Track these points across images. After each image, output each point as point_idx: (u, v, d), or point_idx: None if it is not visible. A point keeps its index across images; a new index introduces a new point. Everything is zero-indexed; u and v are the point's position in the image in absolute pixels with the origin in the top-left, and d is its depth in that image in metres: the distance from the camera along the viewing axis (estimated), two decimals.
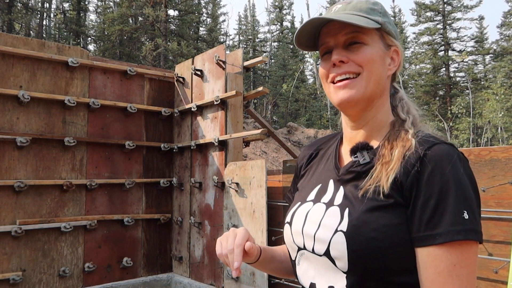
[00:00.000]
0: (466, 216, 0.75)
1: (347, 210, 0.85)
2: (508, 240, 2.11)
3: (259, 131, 3.72)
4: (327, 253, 0.85)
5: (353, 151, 0.93)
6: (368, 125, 0.94)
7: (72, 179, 3.92)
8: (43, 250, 3.74)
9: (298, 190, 1.07)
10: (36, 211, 3.72)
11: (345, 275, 0.82)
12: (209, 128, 4.19)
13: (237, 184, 3.70)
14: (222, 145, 4.00)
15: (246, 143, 4.34)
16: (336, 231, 0.83)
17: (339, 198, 0.90)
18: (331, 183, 0.95)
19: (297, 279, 0.97)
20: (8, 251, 3.56)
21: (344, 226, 0.83)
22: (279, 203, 3.50)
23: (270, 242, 3.42)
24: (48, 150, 3.84)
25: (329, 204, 0.90)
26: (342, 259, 0.81)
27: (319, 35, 0.95)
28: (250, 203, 3.56)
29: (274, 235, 3.45)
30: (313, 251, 0.89)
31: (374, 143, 0.93)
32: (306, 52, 34.12)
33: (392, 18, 1.00)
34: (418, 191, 0.79)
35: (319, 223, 0.88)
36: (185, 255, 4.37)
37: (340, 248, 0.81)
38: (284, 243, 1.02)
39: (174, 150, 4.59)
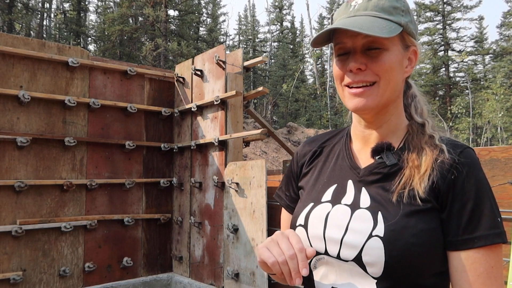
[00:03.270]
0: (499, 219, 0.79)
1: (380, 214, 0.82)
2: (508, 240, 2.11)
3: (259, 131, 3.72)
4: (357, 259, 0.81)
5: (377, 151, 0.89)
6: (383, 127, 0.92)
7: (72, 179, 3.92)
8: (43, 250, 3.75)
9: (302, 189, 1.02)
10: (36, 211, 3.72)
11: (376, 280, 0.80)
12: (209, 128, 4.20)
13: (237, 184, 3.70)
14: (222, 145, 4.00)
15: (246, 143, 4.35)
16: (371, 236, 0.80)
17: (365, 201, 0.86)
18: (350, 184, 0.91)
19: (310, 283, 0.92)
20: (8, 251, 3.56)
21: (380, 231, 0.80)
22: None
23: None
24: (48, 150, 3.84)
25: (354, 206, 0.86)
26: (377, 265, 0.79)
27: (335, 30, 0.88)
28: (250, 203, 3.57)
29: None
30: (338, 257, 0.84)
31: (394, 144, 0.91)
32: (306, 52, 34.21)
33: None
34: (454, 195, 0.80)
35: (346, 227, 0.84)
36: (185, 255, 4.37)
37: (376, 253, 0.79)
38: None
39: (174, 150, 4.59)
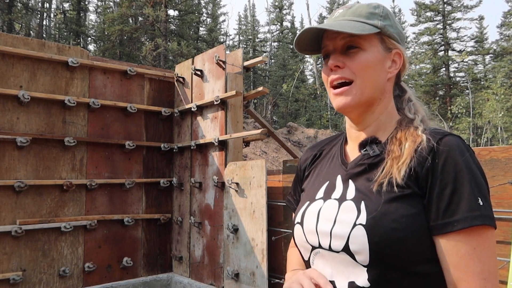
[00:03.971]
0: (481, 202, 0.79)
1: (363, 203, 0.86)
2: (508, 240, 2.11)
3: (259, 131, 3.72)
4: (346, 249, 0.84)
5: (362, 145, 0.94)
6: (372, 126, 0.96)
7: (72, 179, 3.92)
8: (43, 250, 3.75)
9: (303, 191, 1.07)
10: (36, 211, 3.72)
11: (366, 268, 0.82)
12: (209, 128, 4.20)
13: (237, 184, 3.70)
14: (222, 145, 4.00)
15: (246, 143, 4.34)
16: (355, 225, 0.84)
17: (351, 193, 0.90)
18: (339, 179, 0.95)
19: None
20: (8, 251, 3.56)
21: (362, 219, 0.83)
22: (279, 203, 3.50)
23: (270, 242, 3.42)
24: (48, 150, 3.84)
25: (342, 199, 0.91)
26: (363, 253, 0.81)
27: (322, 38, 0.97)
28: (250, 203, 3.57)
29: (274, 235, 3.45)
30: (329, 249, 0.88)
31: (382, 139, 0.95)
32: None
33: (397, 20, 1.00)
34: (433, 180, 0.82)
35: (334, 219, 0.88)
36: (185, 255, 4.37)
37: (360, 241, 0.82)
38: (295, 244, 1.01)
39: (174, 150, 4.59)
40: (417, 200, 0.83)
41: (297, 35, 0.93)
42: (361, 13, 0.92)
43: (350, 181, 0.92)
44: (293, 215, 1.15)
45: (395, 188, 0.83)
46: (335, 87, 0.93)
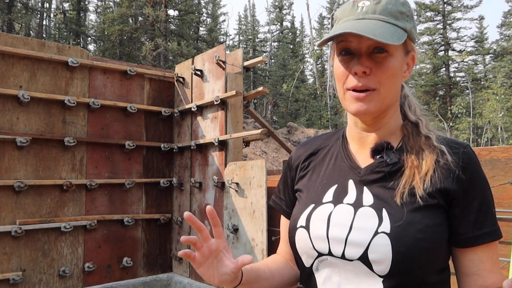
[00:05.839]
0: (495, 214, 0.87)
1: (384, 210, 0.82)
2: (508, 240, 2.10)
3: (259, 131, 3.72)
4: (363, 257, 0.81)
5: (377, 151, 0.89)
6: (381, 129, 0.92)
7: (72, 179, 3.92)
8: (43, 250, 3.74)
9: (300, 192, 1.00)
10: (36, 211, 3.72)
11: (382, 279, 0.80)
12: (209, 128, 4.19)
13: (237, 184, 3.70)
14: (222, 145, 4.00)
15: (246, 143, 4.34)
16: (377, 233, 0.80)
17: (368, 199, 0.86)
18: (351, 184, 0.90)
19: (311, 287, 0.91)
20: (8, 251, 3.56)
21: (386, 227, 0.80)
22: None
23: (270, 242, 3.42)
24: (48, 150, 3.84)
25: (357, 205, 0.86)
26: (384, 262, 0.79)
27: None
28: (250, 203, 3.56)
29: (274, 235, 3.45)
30: (342, 257, 0.84)
31: (394, 143, 0.92)
32: (306, 52, 34.18)
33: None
34: (462, 194, 0.84)
35: (350, 225, 0.84)
36: None
37: (382, 250, 0.79)
38: (295, 250, 0.94)
39: (174, 150, 4.59)
40: (440, 211, 0.83)
41: (333, 34, 0.82)
42: (392, 12, 0.83)
43: (365, 188, 0.88)
44: (282, 217, 1.08)
45: (418, 198, 0.82)
46: (355, 90, 0.85)
